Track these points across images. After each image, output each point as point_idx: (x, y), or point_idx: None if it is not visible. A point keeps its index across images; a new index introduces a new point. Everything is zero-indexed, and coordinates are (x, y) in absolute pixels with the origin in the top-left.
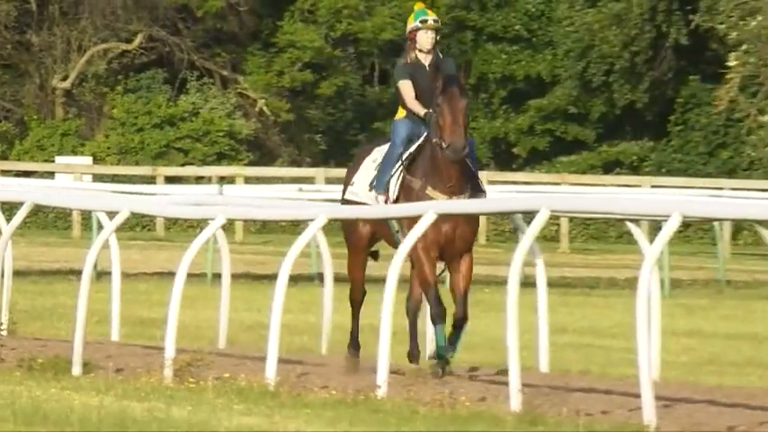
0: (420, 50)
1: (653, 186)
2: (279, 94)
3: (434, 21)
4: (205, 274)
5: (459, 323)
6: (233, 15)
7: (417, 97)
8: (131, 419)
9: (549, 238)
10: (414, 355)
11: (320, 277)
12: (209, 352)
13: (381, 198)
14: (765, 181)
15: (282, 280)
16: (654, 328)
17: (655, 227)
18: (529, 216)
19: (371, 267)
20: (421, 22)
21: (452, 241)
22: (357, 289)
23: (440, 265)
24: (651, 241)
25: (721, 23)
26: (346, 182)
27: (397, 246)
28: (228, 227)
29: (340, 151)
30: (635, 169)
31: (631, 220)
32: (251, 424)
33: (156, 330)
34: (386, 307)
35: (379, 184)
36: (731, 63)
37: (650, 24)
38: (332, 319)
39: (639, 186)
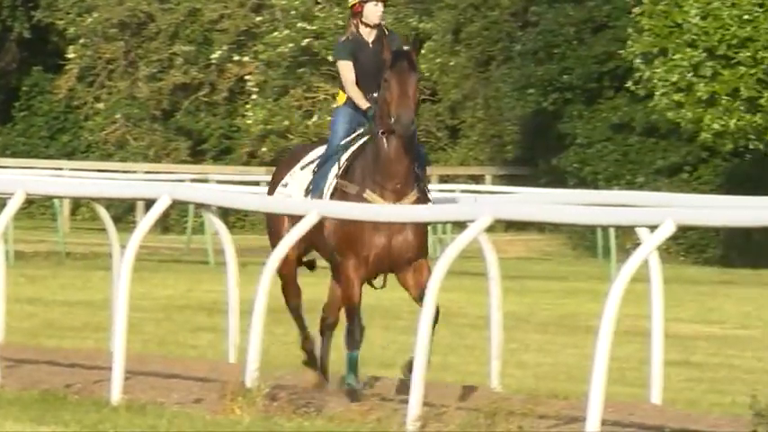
0: (366, 25)
1: None
2: None
3: None
4: None
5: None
6: None
7: (359, 79)
8: None
9: None
10: (322, 370)
11: None
12: None
13: None
14: (101, 162)
15: None
16: None
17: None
18: None
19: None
20: None
21: (389, 254)
22: (289, 287)
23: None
24: None
25: (61, 19)
26: (276, 180)
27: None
28: None
29: None
30: None
31: None
32: None
33: None
34: None
35: (315, 189)
36: (70, 55)
37: None
38: None
39: None
